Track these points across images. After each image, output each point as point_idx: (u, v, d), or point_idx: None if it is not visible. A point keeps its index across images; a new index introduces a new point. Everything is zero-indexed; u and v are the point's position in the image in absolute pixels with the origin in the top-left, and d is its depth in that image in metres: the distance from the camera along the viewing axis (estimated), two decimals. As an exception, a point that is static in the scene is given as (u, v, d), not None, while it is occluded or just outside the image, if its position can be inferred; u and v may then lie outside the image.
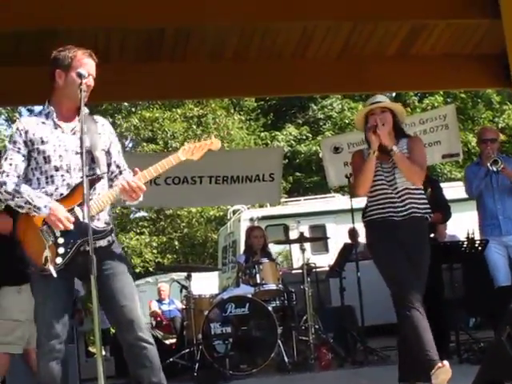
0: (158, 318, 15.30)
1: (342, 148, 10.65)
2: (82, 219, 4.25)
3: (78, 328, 7.75)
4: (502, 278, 7.24)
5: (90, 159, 4.33)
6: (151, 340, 4.39)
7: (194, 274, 8.26)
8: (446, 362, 5.03)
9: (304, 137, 25.13)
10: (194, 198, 10.64)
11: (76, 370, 7.15)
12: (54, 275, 4.20)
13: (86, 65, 4.38)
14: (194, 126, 24.82)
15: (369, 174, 5.37)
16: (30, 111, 18.22)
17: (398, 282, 5.23)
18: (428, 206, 5.49)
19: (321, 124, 25.70)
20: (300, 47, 9.24)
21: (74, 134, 4.41)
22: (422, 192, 5.53)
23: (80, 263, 4.23)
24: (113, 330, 8.23)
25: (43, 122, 4.40)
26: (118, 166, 4.55)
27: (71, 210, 4.28)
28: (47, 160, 4.32)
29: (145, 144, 24.45)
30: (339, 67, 9.50)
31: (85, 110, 4.37)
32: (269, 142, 24.75)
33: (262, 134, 25.45)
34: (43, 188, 4.32)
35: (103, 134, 4.53)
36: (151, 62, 8.99)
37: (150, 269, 25.01)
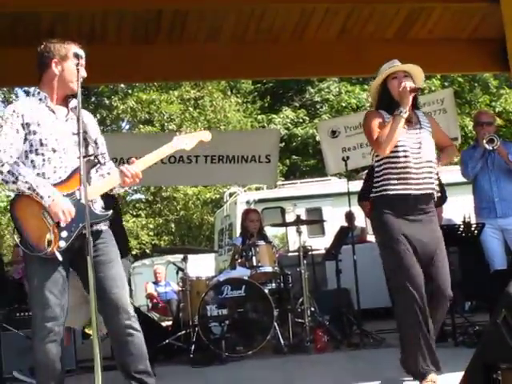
0: (154, 300, 15.37)
1: (339, 132, 10.64)
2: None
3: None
4: (497, 262, 7.27)
5: (85, 146, 4.34)
6: (138, 328, 4.42)
7: (190, 256, 8.25)
8: None
9: (301, 120, 25.08)
10: (190, 176, 10.66)
11: (73, 352, 7.16)
12: (60, 259, 4.22)
13: (82, 58, 4.41)
14: (191, 109, 24.76)
15: (398, 130, 4.96)
16: (27, 92, 18.15)
17: (406, 276, 4.89)
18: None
19: (318, 107, 25.63)
20: (298, 29, 9.20)
21: (66, 120, 4.45)
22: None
23: (76, 247, 4.27)
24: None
25: (36, 107, 4.40)
26: (103, 157, 4.59)
27: (72, 194, 4.30)
28: (43, 142, 4.32)
29: (141, 126, 24.39)
30: (337, 50, 9.46)
31: (74, 102, 4.43)
32: (265, 124, 24.69)
33: (259, 117, 25.40)
34: (39, 169, 4.31)
35: (91, 125, 4.56)
36: (148, 44, 8.95)
37: (147, 251, 25.08)
